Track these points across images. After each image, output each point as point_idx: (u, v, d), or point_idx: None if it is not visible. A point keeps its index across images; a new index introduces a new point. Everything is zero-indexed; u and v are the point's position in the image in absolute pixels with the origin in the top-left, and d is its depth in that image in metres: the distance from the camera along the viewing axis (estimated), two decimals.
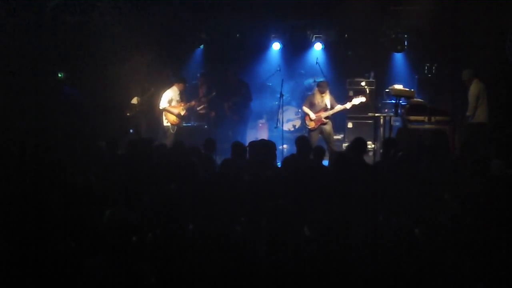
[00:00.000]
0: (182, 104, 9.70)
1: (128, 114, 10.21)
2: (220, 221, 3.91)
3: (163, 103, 9.56)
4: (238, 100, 10.34)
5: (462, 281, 3.30)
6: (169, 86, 9.83)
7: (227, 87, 10.57)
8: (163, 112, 9.64)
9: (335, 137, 10.01)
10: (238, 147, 6.26)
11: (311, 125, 9.22)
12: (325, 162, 7.09)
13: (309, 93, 11.51)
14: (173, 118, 9.65)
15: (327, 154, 7.76)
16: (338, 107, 9.26)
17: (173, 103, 9.65)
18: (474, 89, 8.35)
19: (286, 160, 5.94)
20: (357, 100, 9.21)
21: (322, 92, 9.22)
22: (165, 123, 9.68)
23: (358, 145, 6.18)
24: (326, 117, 9.13)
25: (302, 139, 6.64)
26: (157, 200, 4.29)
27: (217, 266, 3.29)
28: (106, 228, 3.12)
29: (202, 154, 6.16)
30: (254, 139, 7.14)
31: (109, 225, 3.13)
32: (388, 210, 4.33)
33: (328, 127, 9.22)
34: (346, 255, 3.41)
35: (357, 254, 3.43)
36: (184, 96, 9.96)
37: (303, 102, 9.75)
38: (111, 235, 3.07)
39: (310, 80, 11.63)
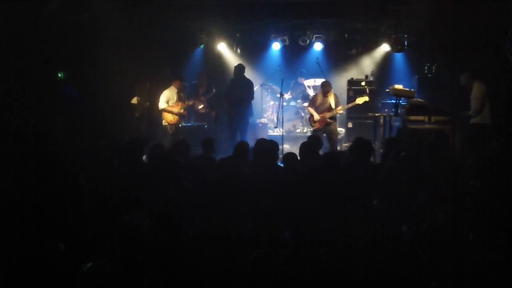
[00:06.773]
0: (180, 104, 9.69)
1: (136, 115, 10.24)
2: (220, 220, 3.90)
3: (161, 104, 9.57)
4: (239, 95, 9.59)
5: (462, 281, 3.30)
6: (167, 86, 9.83)
7: (231, 82, 10.00)
8: (162, 113, 9.65)
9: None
10: (241, 147, 6.21)
11: (316, 125, 9.21)
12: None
13: (308, 92, 11.55)
14: (171, 118, 9.63)
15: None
16: (341, 107, 9.28)
17: (171, 103, 9.63)
18: (476, 92, 8.17)
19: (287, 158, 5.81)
20: (361, 100, 9.22)
21: (325, 93, 9.20)
22: (163, 123, 9.68)
23: (361, 147, 5.86)
24: (331, 117, 9.12)
25: (315, 139, 6.61)
26: (154, 201, 4.26)
27: (218, 267, 3.28)
28: (119, 232, 3.11)
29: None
30: (253, 139, 7.11)
31: (122, 229, 3.13)
32: (388, 210, 4.32)
33: (332, 127, 9.21)
34: (345, 255, 3.41)
35: (356, 254, 3.42)
36: (184, 95, 9.95)
37: (304, 102, 9.70)
38: (122, 239, 3.06)
39: (311, 80, 11.65)
